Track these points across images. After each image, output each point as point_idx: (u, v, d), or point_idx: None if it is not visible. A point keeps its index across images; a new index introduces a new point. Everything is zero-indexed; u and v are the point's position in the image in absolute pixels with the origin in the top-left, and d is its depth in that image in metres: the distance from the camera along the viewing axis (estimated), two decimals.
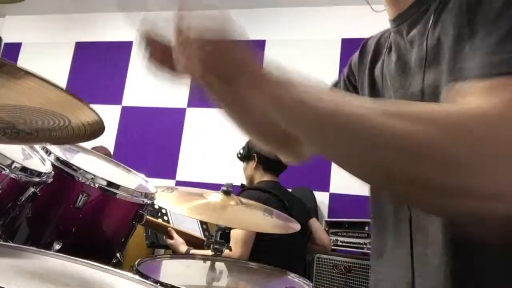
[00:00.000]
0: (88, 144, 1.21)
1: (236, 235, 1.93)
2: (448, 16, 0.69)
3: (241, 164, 2.44)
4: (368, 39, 0.99)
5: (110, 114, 4.05)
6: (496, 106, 0.50)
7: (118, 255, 1.23)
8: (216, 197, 1.36)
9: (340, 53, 3.70)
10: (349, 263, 2.43)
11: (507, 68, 0.53)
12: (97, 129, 0.51)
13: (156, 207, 2.06)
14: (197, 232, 2.21)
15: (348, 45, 3.68)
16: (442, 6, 0.72)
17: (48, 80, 0.40)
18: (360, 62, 0.98)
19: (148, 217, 1.75)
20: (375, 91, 0.93)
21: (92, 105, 0.51)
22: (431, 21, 0.73)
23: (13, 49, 4.51)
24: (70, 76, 4.40)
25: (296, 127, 0.57)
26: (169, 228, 1.93)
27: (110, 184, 1.16)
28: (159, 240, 2.06)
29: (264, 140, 0.91)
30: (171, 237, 1.90)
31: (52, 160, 1.11)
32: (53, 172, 1.05)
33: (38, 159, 1.09)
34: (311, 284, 1.23)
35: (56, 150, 1.16)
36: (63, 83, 4.32)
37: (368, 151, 0.51)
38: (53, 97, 0.43)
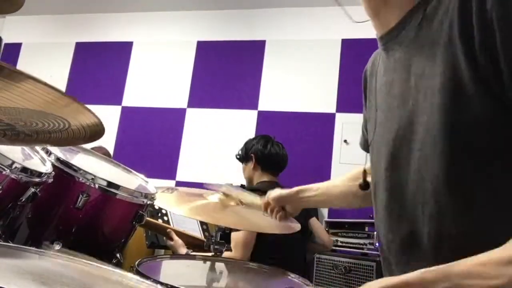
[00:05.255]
0: (87, 145, 1.22)
1: (236, 238, 1.93)
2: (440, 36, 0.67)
3: (241, 164, 2.45)
4: (365, 68, 0.99)
5: (110, 114, 4.06)
6: None
7: (118, 255, 1.23)
8: (216, 197, 1.36)
9: (340, 53, 3.70)
10: (349, 264, 2.43)
11: None
12: (97, 131, 0.51)
13: (156, 207, 2.06)
14: (197, 232, 2.21)
15: (348, 45, 3.69)
16: (426, 25, 0.71)
17: (47, 83, 0.40)
18: (364, 92, 0.98)
19: (148, 218, 1.75)
20: (365, 111, 0.94)
21: (92, 106, 0.51)
22: (413, 41, 0.73)
23: (13, 49, 4.51)
24: (70, 76, 4.40)
25: None
26: (168, 230, 1.92)
27: (110, 184, 1.16)
28: (159, 240, 2.06)
29: None
30: (171, 239, 1.90)
31: (52, 161, 1.11)
32: (53, 172, 1.05)
33: (39, 160, 1.09)
34: (311, 284, 1.23)
35: (56, 150, 1.16)
36: (63, 83, 4.32)
37: None
38: (52, 99, 0.43)
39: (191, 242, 1.95)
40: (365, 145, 1.06)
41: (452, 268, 0.51)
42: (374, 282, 0.56)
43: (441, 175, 0.65)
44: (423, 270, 0.53)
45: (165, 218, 2.13)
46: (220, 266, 1.31)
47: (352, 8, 0.90)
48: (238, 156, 2.43)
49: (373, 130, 0.85)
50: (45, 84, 0.37)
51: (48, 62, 4.36)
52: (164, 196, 1.35)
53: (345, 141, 3.48)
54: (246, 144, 2.42)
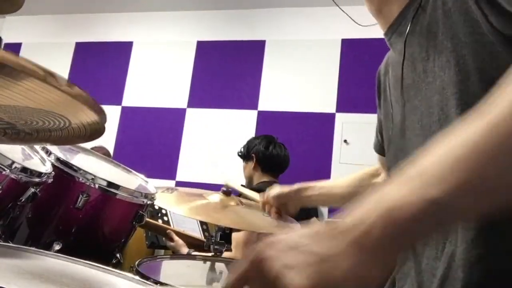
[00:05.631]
0: (87, 144, 1.22)
1: (237, 238, 1.93)
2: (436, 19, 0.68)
3: (241, 165, 2.45)
4: (379, 68, 0.99)
5: (110, 114, 4.03)
6: None
7: (118, 255, 1.23)
8: (216, 197, 1.36)
9: (340, 53, 3.70)
10: None
11: None
12: (97, 129, 0.51)
13: (156, 207, 2.06)
14: (197, 232, 2.21)
15: (348, 45, 3.69)
16: (423, 11, 0.72)
17: (49, 80, 0.40)
18: (378, 93, 0.98)
19: (148, 219, 1.74)
20: (380, 112, 0.93)
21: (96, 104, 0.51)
22: (407, 32, 0.74)
23: (13, 49, 4.51)
24: (70, 76, 4.40)
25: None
26: (168, 230, 1.92)
27: (110, 184, 1.16)
28: (159, 240, 2.06)
29: None
30: (172, 239, 1.90)
31: (52, 161, 1.11)
32: (53, 172, 1.05)
33: (38, 160, 1.09)
34: None
35: (56, 150, 1.16)
36: None
37: None
38: (53, 97, 0.43)
39: (191, 242, 1.95)
40: (379, 147, 1.05)
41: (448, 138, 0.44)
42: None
43: None
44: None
45: (165, 218, 2.13)
46: (220, 266, 1.31)
47: (354, 8, 0.91)
48: (240, 154, 2.43)
49: (392, 127, 0.85)
50: (46, 81, 0.37)
51: (48, 62, 4.29)
52: (164, 196, 1.35)
53: (345, 141, 3.48)
54: (249, 142, 2.42)
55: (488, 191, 0.41)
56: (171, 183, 3.79)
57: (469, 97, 0.64)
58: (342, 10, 0.87)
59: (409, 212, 0.40)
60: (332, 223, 0.45)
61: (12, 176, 0.92)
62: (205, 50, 4.13)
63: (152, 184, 1.38)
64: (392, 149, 0.87)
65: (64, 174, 1.12)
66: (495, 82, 0.60)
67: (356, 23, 0.88)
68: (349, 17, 0.87)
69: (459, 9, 0.63)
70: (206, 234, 2.23)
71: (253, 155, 2.34)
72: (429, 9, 0.70)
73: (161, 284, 0.90)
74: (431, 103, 0.71)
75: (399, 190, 0.42)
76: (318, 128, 3.61)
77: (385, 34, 0.84)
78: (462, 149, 0.41)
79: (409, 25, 0.74)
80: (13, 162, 0.92)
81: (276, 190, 1.28)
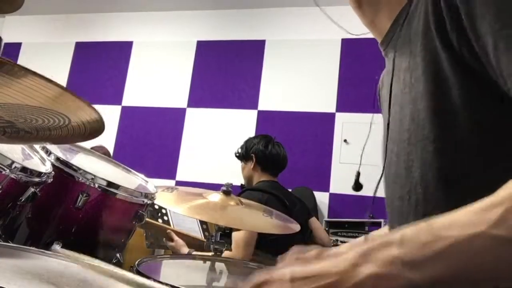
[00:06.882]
0: (87, 144, 1.21)
1: (237, 237, 1.93)
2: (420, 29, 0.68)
3: (240, 164, 2.44)
4: (381, 78, 1.00)
5: (110, 114, 4.05)
6: None
7: (118, 255, 1.23)
8: (216, 197, 1.36)
9: (340, 53, 3.70)
10: None
11: None
12: (97, 127, 0.51)
13: (156, 207, 2.06)
14: (197, 232, 2.20)
15: (348, 45, 3.69)
16: (409, 22, 0.73)
17: (48, 78, 0.40)
18: (379, 102, 0.99)
19: (148, 219, 1.74)
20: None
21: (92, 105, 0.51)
22: (400, 41, 0.74)
23: (13, 49, 4.51)
24: (70, 76, 4.40)
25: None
26: (168, 231, 1.92)
27: (110, 184, 1.16)
28: (159, 240, 2.06)
29: None
30: (171, 239, 1.90)
31: (52, 160, 1.10)
32: (53, 172, 1.04)
33: (38, 159, 1.09)
34: None
35: (56, 150, 1.16)
36: (63, 83, 4.32)
37: None
38: (53, 95, 0.43)
39: (191, 242, 1.94)
40: None
41: (434, 222, 0.48)
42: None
43: (429, 160, 0.65)
44: (404, 228, 0.49)
45: (165, 218, 2.13)
46: (220, 266, 1.31)
47: (351, 8, 0.91)
48: (237, 154, 2.43)
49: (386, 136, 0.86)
50: (46, 79, 0.37)
51: (48, 62, 4.36)
52: (164, 196, 1.35)
53: (345, 140, 3.48)
54: (247, 143, 2.41)
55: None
56: (171, 183, 3.79)
57: (443, 110, 0.63)
58: (328, 16, 0.89)
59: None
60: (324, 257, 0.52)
61: (12, 176, 0.92)
62: (205, 50, 4.13)
63: (152, 184, 1.38)
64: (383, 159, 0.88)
65: (64, 174, 1.11)
66: (475, 99, 0.60)
67: (347, 31, 0.90)
68: (339, 26, 0.89)
69: (436, 27, 0.63)
70: (206, 233, 2.23)
71: (252, 155, 2.34)
72: (415, 21, 0.71)
73: (161, 284, 0.90)
74: (404, 113, 0.72)
75: (388, 258, 0.47)
76: (318, 128, 3.61)
77: (380, 44, 0.85)
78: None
79: (400, 36, 0.75)
80: (13, 162, 0.91)
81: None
